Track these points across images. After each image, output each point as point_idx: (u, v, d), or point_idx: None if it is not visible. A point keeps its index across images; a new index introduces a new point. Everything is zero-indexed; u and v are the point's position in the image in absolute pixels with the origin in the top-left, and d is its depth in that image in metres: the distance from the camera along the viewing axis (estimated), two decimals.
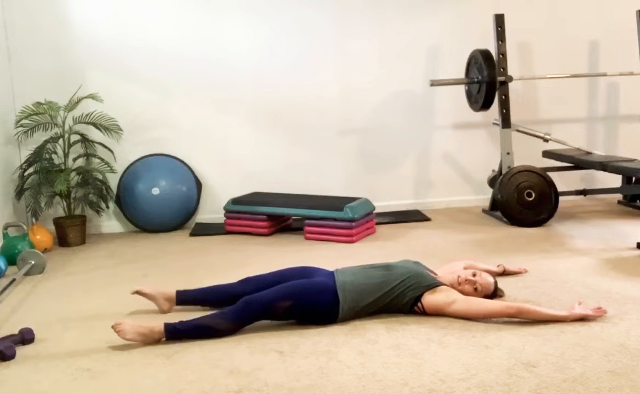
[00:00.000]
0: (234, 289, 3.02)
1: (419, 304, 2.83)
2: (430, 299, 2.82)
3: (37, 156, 4.70)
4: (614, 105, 5.76)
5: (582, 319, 2.70)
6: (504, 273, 3.43)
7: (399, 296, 2.84)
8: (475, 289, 2.90)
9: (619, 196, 5.41)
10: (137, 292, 3.06)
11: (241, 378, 2.31)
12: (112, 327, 2.67)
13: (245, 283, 3.05)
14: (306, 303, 2.78)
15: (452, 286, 2.92)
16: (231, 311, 2.75)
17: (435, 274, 3.02)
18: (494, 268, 3.39)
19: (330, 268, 3.03)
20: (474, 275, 2.94)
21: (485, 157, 5.53)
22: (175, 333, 2.69)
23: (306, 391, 2.20)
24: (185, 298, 3.07)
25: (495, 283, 3.01)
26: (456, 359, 2.39)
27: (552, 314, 2.73)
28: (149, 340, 2.67)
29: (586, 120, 5.76)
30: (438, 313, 2.82)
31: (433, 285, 2.85)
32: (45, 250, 4.41)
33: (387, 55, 5.41)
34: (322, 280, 2.86)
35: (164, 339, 2.69)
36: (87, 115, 4.85)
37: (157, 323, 2.71)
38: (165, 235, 4.99)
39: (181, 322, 2.72)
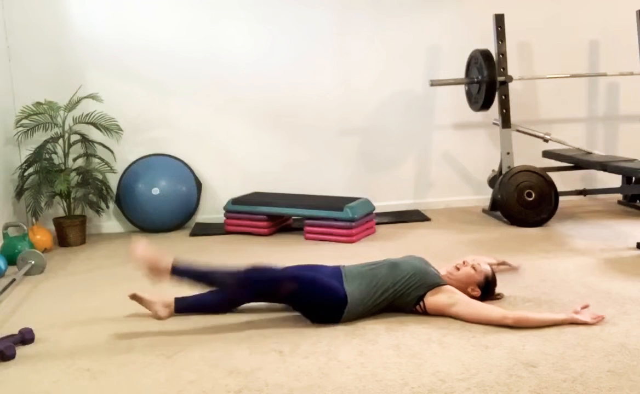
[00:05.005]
0: (235, 293, 2.97)
1: (421, 303, 2.83)
2: (432, 299, 2.81)
3: (37, 156, 4.70)
4: (614, 105, 5.76)
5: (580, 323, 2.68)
6: (502, 264, 3.45)
7: (404, 296, 2.83)
8: (475, 268, 2.93)
9: (619, 196, 5.41)
10: (134, 297, 3.00)
11: (241, 378, 2.31)
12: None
13: (243, 287, 2.96)
14: (312, 295, 2.78)
15: (449, 276, 2.93)
16: (238, 272, 2.78)
17: (439, 273, 3.01)
18: (493, 261, 3.39)
19: None
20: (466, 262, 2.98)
21: (485, 157, 5.53)
22: (180, 273, 2.75)
23: (306, 391, 2.20)
24: (183, 306, 2.99)
25: (493, 276, 3.00)
26: (456, 359, 2.39)
27: (549, 319, 2.69)
28: (154, 267, 2.73)
29: (586, 120, 5.77)
30: (439, 314, 2.81)
31: (436, 284, 2.84)
32: (45, 250, 4.41)
33: (387, 55, 5.41)
34: (333, 283, 2.81)
35: (168, 274, 2.74)
36: (87, 115, 4.85)
37: (166, 259, 2.77)
38: (165, 235, 4.99)
39: (189, 265, 2.79)
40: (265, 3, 5.23)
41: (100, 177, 4.90)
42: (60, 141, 4.80)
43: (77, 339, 2.77)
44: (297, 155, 5.38)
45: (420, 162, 5.60)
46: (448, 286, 2.86)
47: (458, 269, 2.95)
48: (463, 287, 2.91)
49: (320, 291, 2.79)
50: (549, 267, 3.60)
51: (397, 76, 5.43)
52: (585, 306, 2.74)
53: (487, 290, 2.97)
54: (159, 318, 2.97)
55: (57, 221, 4.77)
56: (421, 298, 2.82)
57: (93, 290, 3.57)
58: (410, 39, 5.41)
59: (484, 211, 5.32)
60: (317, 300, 2.80)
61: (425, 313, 2.84)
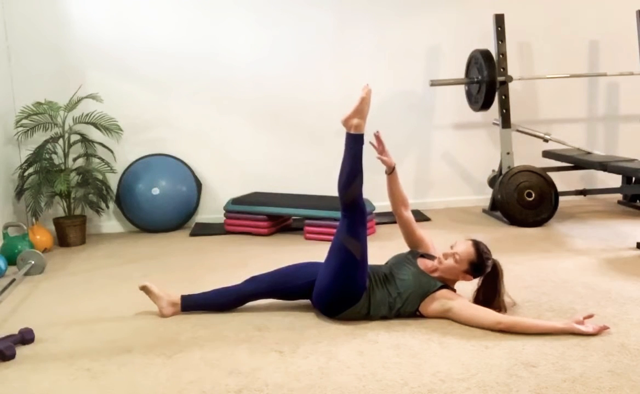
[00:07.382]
0: (241, 289, 3.02)
1: (418, 312, 2.85)
2: (425, 309, 2.82)
3: (37, 156, 4.70)
4: (614, 105, 5.76)
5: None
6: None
7: (401, 313, 2.84)
8: (456, 260, 2.83)
9: (619, 196, 5.42)
10: (144, 288, 3.00)
11: (241, 378, 2.31)
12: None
13: (252, 282, 3.04)
14: (348, 275, 2.85)
15: (438, 267, 2.87)
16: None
17: (435, 259, 2.96)
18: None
19: None
20: (451, 247, 2.88)
21: (485, 157, 5.53)
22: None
23: (306, 391, 2.20)
24: (190, 304, 3.02)
25: (478, 256, 2.83)
26: (456, 359, 2.39)
27: (546, 326, 2.62)
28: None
29: (586, 120, 5.77)
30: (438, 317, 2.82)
31: (426, 293, 2.82)
32: (45, 250, 4.41)
33: (387, 55, 5.41)
34: (364, 279, 2.89)
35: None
36: (87, 115, 4.85)
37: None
38: (165, 235, 4.99)
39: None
40: (265, 3, 5.24)
41: (100, 177, 4.90)
42: (60, 141, 4.80)
43: (77, 339, 2.77)
44: (297, 155, 5.38)
45: (420, 162, 5.60)
46: (441, 292, 2.82)
47: (441, 263, 2.86)
48: (454, 279, 2.88)
49: (355, 277, 2.86)
50: (549, 267, 3.60)
51: (398, 76, 5.43)
52: (589, 316, 2.64)
53: (477, 270, 2.85)
54: (163, 315, 2.98)
55: (57, 221, 4.77)
56: (416, 309, 2.84)
57: (93, 290, 3.57)
58: (410, 39, 5.42)
59: (484, 211, 5.32)
60: (349, 282, 2.84)
61: (424, 316, 2.85)
